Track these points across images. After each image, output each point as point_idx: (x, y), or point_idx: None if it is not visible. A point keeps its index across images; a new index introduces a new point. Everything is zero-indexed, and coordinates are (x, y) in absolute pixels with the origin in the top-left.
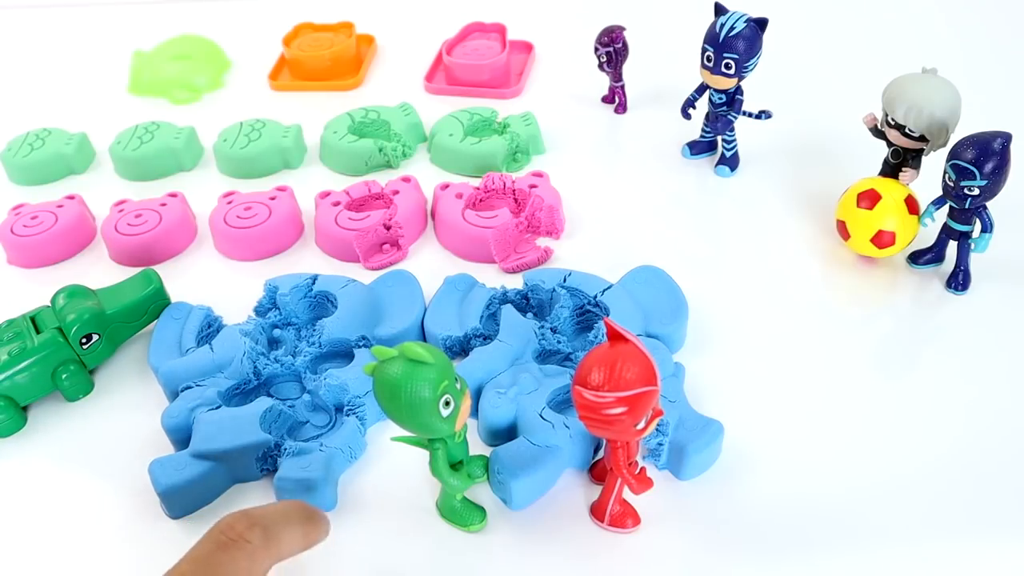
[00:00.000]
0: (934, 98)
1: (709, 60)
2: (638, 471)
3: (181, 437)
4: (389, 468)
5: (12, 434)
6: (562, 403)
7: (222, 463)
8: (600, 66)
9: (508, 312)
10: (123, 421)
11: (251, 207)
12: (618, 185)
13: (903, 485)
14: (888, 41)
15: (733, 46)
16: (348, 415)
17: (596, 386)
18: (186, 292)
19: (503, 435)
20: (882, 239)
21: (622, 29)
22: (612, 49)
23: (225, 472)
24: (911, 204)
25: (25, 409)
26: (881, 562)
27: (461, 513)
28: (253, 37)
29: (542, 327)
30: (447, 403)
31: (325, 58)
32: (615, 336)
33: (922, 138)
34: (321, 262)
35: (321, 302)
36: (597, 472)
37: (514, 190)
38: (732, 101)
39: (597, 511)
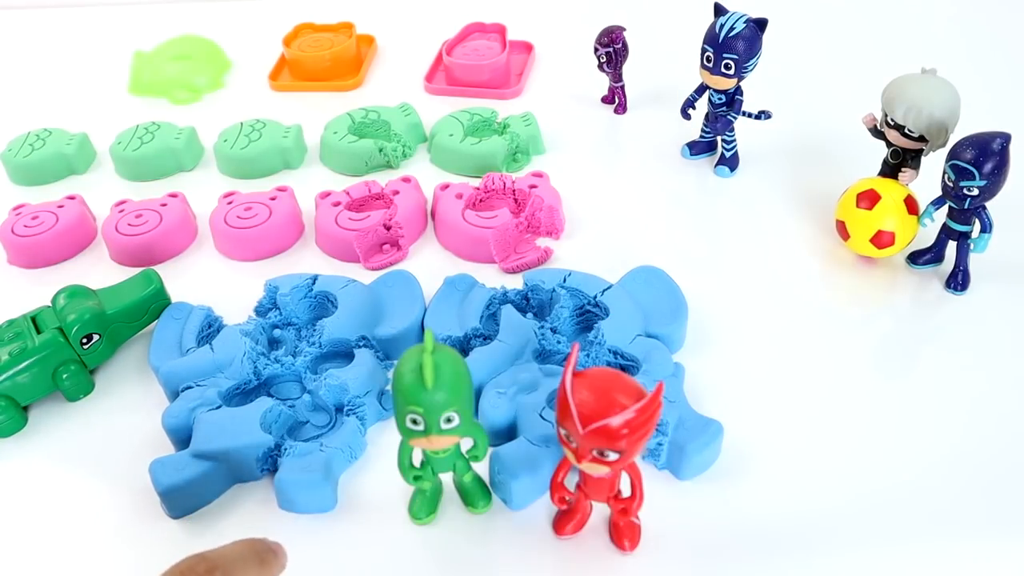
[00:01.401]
0: (933, 98)
1: (709, 60)
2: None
3: (181, 437)
4: (389, 468)
5: (13, 434)
6: None
7: (222, 463)
8: (600, 66)
9: (508, 312)
10: (123, 421)
11: (251, 207)
12: (618, 185)
13: (903, 485)
14: (888, 41)
15: (733, 46)
16: (348, 415)
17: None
18: (186, 292)
19: (503, 435)
20: (881, 239)
21: (622, 29)
22: (612, 49)
23: (225, 472)
24: (910, 204)
25: (26, 409)
26: (881, 562)
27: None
28: (253, 37)
29: (542, 327)
30: (415, 421)
31: (325, 58)
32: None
33: (921, 138)
34: (321, 262)
35: (321, 302)
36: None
37: (514, 190)
38: (732, 101)
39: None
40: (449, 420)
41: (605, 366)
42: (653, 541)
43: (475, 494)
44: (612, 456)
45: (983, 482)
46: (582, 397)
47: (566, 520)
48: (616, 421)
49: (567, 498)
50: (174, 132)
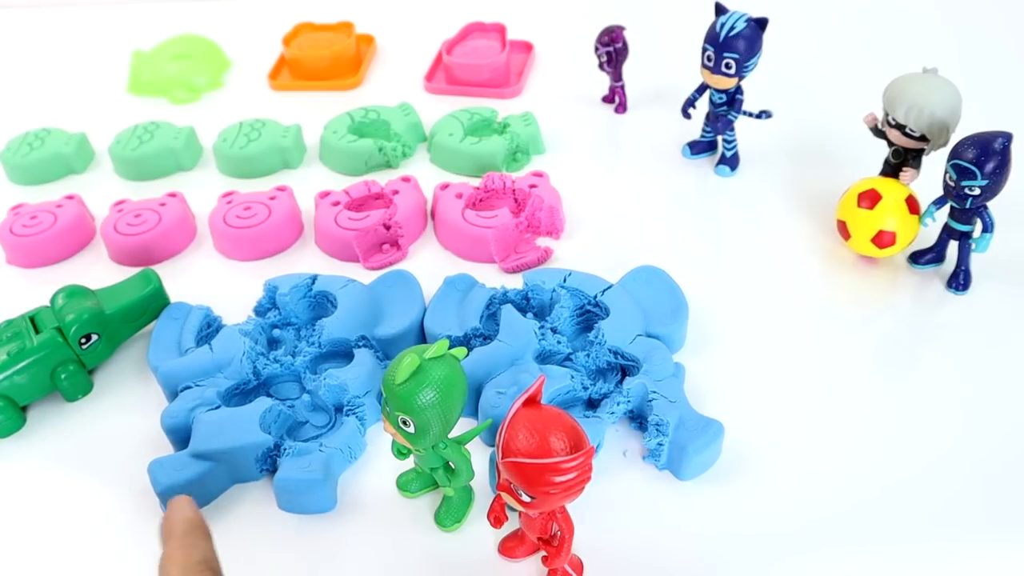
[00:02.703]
0: (935, 98)
1: (709, 60)
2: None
3: (181, 437)
4: (389, 468)
5: (11, 434)
6: (562, 404)
7: (222, 463)
8: (600, 66)
9: (508, 312)
10: (122, 421)
11: (251, 207)
12: (618, 185)
13: (903, 485)
14: (888, 41)
15: (733, 46)
16: (348, 415)
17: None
18: (185, 292)
19: None
20: (883, 239)
21: (622, 29)
22: (612, 49)
23: (225, 472)
24: (912, 204)
25: (24, 409)
26: (881, 562)
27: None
28: (253, 37)
29: (542, 327)
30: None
31: (325, 58)
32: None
33: (923, 138)
34: (321, 262)
35: (321, 302)
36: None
37: (514, 190)
38: (732, 101)
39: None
40: (405, 423)
41: (568, 414)
42: (653, 541)
43: (445, 510)
44: (524, 496)
45: (984, 482)
46: (519, 427)
47: (516, 544)
48: (529, 462)
49: (503, 520)
50: (173, 132)
